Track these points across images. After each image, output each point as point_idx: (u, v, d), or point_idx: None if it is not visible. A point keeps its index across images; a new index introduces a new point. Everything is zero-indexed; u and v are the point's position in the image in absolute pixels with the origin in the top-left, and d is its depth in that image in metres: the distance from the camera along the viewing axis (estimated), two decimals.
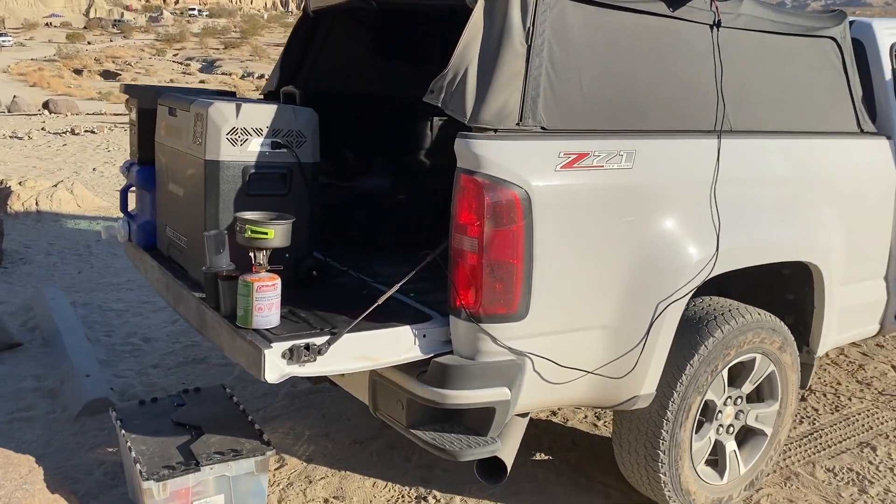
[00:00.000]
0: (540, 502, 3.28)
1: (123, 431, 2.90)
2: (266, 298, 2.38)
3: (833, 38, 3.43)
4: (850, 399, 4.39)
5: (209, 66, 61.55)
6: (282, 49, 3.73)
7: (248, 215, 2.45)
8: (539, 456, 3.62)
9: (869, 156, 3.52)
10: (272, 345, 2.28)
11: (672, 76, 2.85)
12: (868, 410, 4.26)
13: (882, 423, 4.11)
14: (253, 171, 2.72)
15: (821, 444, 3.86)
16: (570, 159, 2.52)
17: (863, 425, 4.08)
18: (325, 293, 2.83)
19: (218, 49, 72.19)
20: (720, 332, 2.94)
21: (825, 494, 3.43)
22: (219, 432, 2.91)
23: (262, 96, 3.77)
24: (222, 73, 56.66)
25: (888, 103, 3.65)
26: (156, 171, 3.18)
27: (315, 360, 2.34)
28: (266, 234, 2.37)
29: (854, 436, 3.96)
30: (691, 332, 2.91)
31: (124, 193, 3.40)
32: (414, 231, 3.61)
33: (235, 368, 4.49)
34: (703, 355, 2.92)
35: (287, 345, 2.30)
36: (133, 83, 4.37)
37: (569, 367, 2.65)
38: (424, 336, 2.56)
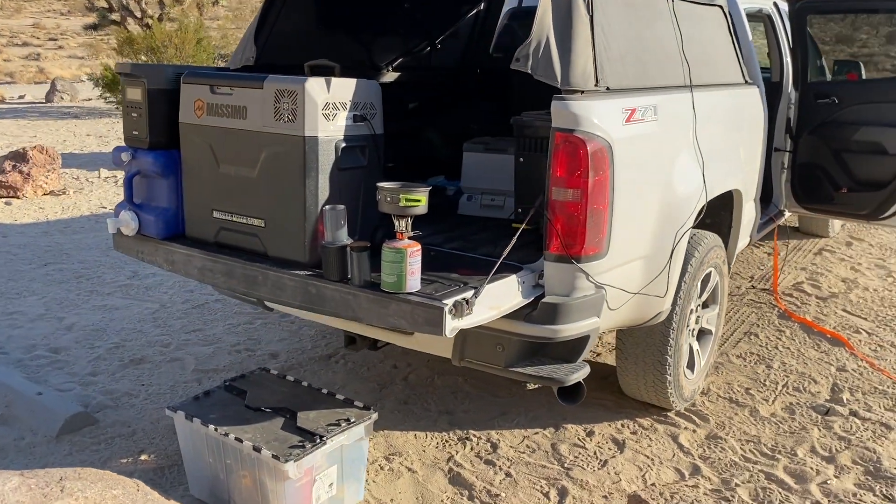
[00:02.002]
0: (557, 422, 3.72)
1: (211, 426, 2.79)
2: (415, 263, 2.50)
3: (720, 7, 4.20)
4: None
5: None
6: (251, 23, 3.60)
7: (393, 185, 2.52)
8: (531, 386, 4.05)
9: (751, 100, 4.39)
10: (445, 302, 2.43)
11: (657, 39, 3.37)
12: (734, 309, 5.28)
13: (749, 317, 5.15)
14: (344, 144, 2.74)
15: (720, 339, 4.77)
16: (628, 114, 2.94)
17: (738, 320, 5.08)
18: None
19: None
20: (698, 252, 3.58)
21: (746, 374, 4.30)
22: (309, 408, 2.93)
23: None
24: None
25: (752, 59, 4.55)
26: (184, 154, 2.99)
27: (472, 312, 2.53)
28: (419, 201, 2.48)
29: (737, 329, 4.94)
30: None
31: (129, 182, 3.10)
32: None
33: (188, 363, 4.28)
34: (692, 273, 3.54)
35: (451, 301, 2.46)
36: (138, 62, 3.85)
37: (629, 292, 3.10)
38: (524, 283, 2.84)
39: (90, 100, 21.94)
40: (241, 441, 2.70)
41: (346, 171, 2.77)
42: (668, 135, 3.24)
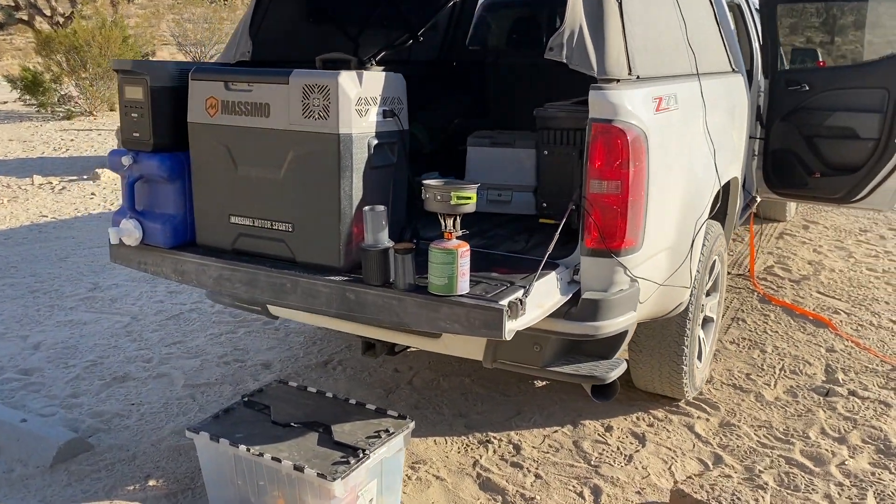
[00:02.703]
0: (573, 419, 3.66)
1: (242, 446, 2.61)
2: (466, 264, 2.38)
3: None
4: None
5: None
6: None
7: (441, 182, 2.38)
8: (539, 383, 3.98)
9: (738, 87, 4.42)
10: (502, 303, 2.32)
11: (668, 27, 3.33)
12: None
13: (732, 302, 5.21)
14: (376, 142, 2.59)
15: None
16: (657, 103, 2.89)
17: (724, 307, 5.13)
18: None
19: None
20: (708, 242, 3.58)
21: (744, 359, 4.34)
22: (341, 420, 2.77)
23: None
24: None
25: (735, 47, 4.59)
26: (195, 156, 2.78)
27: (525, 312, 2.43)
28: (469, 198, 2.35)
29: (724, 315, 4.98)
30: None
31: (131, 188, 2.86)
32: None
33: (176, 378, 4.03)
34: (703, 262, 3.53)
35: (506, 301, 2.36)
36: (139, 59, 3.54)
37: (658, 284, 3.06)
38: (561, 279, 2.76)
39: (6, 102, 20.77)
40: (278, 461, 2.53)
41: (377, 170, 2.63)
42: (687, 123, 3.21)
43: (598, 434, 3.54)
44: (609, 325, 2.75)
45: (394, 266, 2.44)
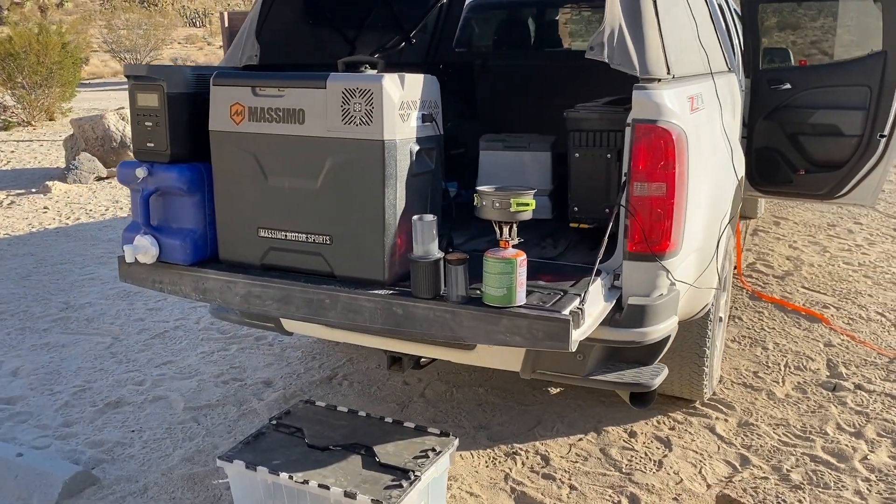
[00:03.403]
0: (595, 426, 3.59)
1: (284, 474, 2.45)
2: (524, 273, 2.28)
3: None
4: None
5: None
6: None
7: (495, 189, 2.27)
8: (554, 390, 3.90)
9: (735, 86, 4.43)
10: (564, 313, 2.23)
11: (686, 26, 3.30)
12: None
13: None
14: (417, 147, 2.47)
15: None
16: (691, 103, 2.84)
17: None
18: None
19: None
20: (721, 242, 3.56)
21: (748, 357, 4.35)
22: (381, 441, 2.63)
23: None
24: None
25: (729, 46, 4.61)
26: (218, 167, 2.59)
27: (585, 321, 2.35)
28: (528, 205, 2.25)
29: None
30: None
31: (145, 202, 2.66)
32: None
33: (175, 401, 3.81)
34: (719, 262, 3.51)
35: (568, 311, 2.27)
36: (152, 63, 3.28)
37: (690, 286, 3.01)
38: (604, 285, 2.69)
39: None
40: (326, 487, 2.38)
41: (418, 177, 2.51)
42: (711, 123, 3.18)
43: (624, 440, 3.47)
44: (655, 331, 2.68)
45: (444, 278, 2.32)
